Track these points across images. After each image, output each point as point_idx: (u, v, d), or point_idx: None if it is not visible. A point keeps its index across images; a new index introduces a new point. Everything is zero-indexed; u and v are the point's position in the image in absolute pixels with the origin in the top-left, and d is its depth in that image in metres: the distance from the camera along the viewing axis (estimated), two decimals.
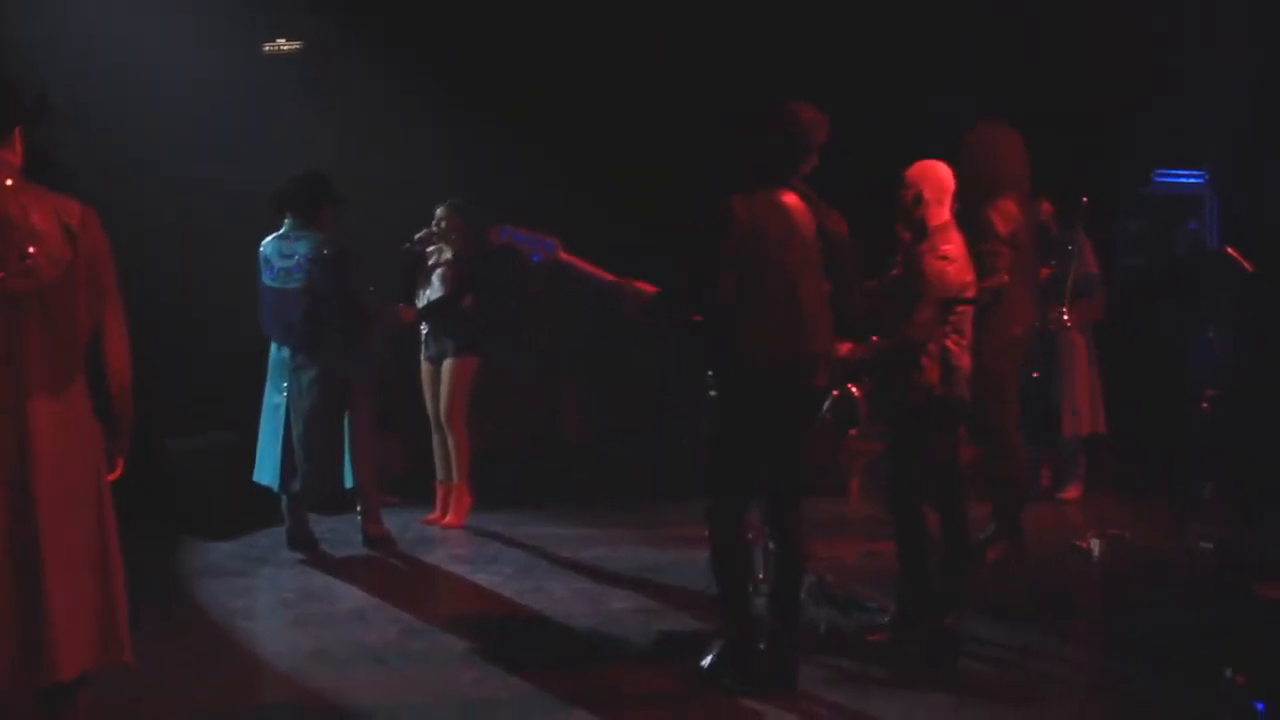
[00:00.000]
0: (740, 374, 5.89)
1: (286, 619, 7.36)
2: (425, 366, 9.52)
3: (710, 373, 5.98)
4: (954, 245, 6.55)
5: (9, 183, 4.54)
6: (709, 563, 6.12)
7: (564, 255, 6.18)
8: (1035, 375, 9.91)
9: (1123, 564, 8.34)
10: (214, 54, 11.23)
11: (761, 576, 6.85)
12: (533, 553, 8.79)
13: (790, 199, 5.95)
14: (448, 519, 9.54)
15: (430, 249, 9.44)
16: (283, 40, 12.62)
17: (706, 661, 6.13)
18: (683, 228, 6.15)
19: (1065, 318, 9.65)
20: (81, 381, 4.62)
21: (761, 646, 6.06)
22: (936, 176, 6.62)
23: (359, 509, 8.95)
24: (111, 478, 4.77)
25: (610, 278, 6.08)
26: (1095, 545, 8.43)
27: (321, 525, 9.10)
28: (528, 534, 9.28)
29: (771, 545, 6.17)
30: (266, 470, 8.66)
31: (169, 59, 10.81)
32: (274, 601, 7.71)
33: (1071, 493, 10.22)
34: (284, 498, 8.72)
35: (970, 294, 6.56)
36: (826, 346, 6.07)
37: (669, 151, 11.09)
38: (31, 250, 4.47)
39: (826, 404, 6.63)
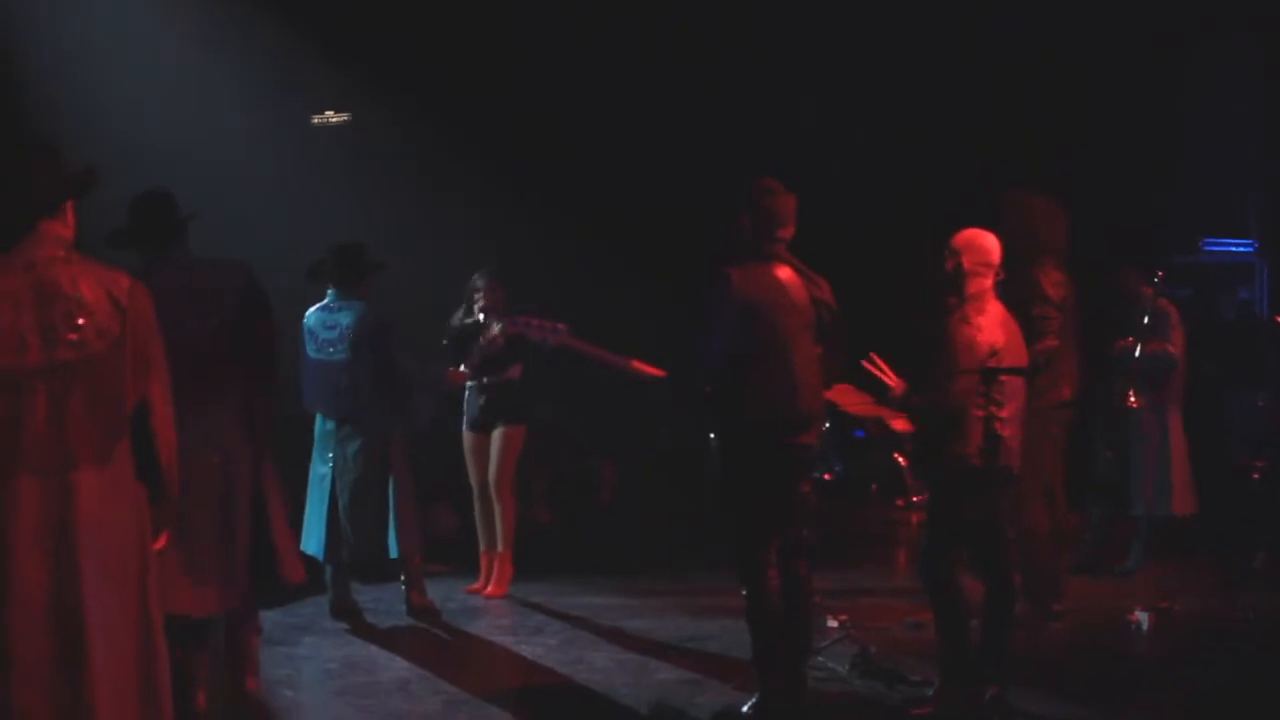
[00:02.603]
0: (740, 433, 6.34)
1: (330, 689, 7.35)
2: (469, 436, 9.50)
3: (712, 435, 6.46)
4: (987, 315, 6.54)
5: (59, 254, 4.58)
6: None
7: (572, 340, 6.53)
8: (1109, 455, 9.83)
9: (1171, 637, 8.24)
10: (261, 124, 11.38)
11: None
12: (576, 623, 8.76)
13: (783, 270, 6.40)
14: (490, 589, 9.52)
15: (476, 320, 9.43)
16: (331, 112, 12.77)
17: (745, 708, 6.38)
18: (692, 299, 6.41)
19: (1132, 398, 9.52)
20: (127, 452, 4.63)
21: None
22: (979, 246, 6.62)
23: (403, 579, 8.95)
24: (157, 547, 4.78)
25: (613, 358, 6.44)
26: (1144, 618, 8.33)
27: (365, 595, 9.10)
28: (571, 604, 9.24)
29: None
30: (312, 540, 8.69)
31: (216, 130, 10.96)
32: (317, 671, 7.69)
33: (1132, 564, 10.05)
34: (328, 567, 8.74)
35: (1006, 361, 6.53)
36: (818, 406, 6.55)
37: (695, 221, 11.17)
38: (80, 322, 4.50)
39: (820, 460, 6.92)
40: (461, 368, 9.26)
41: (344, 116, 12.78)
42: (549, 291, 10.69)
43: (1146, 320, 9.50)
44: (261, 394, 6.48)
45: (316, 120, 12.79)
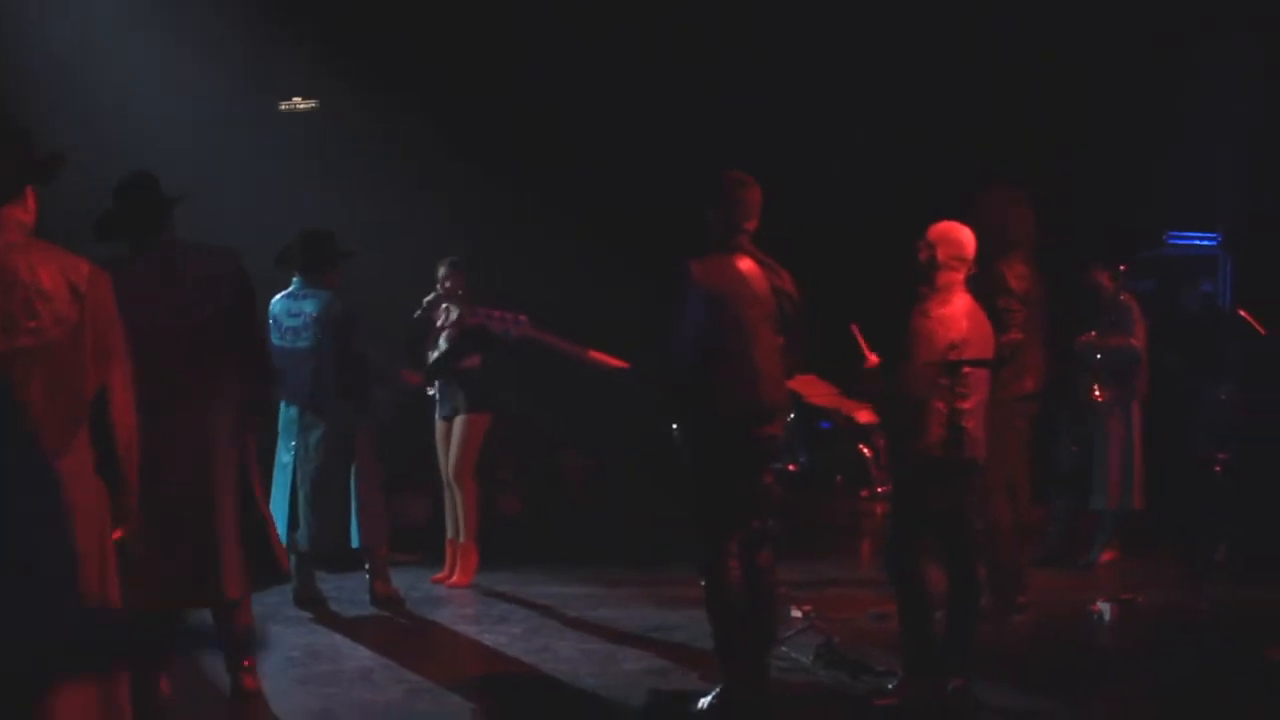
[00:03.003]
0: (703, 424, 6.34)
1: (292, 678, 7.30)
2: (439, 425, 9.53)
3: (674, 426, 6.49)
4: (951, 307, 6.55)
5: (18, 240, 4.54)
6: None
7: (532, 331, 6.54)
8: (1074, 449, 9.89)
9: (1134, 629, 8.28)
10: (228, 110, 11.33)
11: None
12: (541, 612, 8.76)
13: (744, 262, 6.37)
14: (455, 578, 9.52)
15: (441, 309, 9.44)
16: (299, 99, 12.73)
17: (703, 703, 6.32)
18: (659, 290, 6.43)
19: (1097, 393, 9.59)
20: (85, 441, 4.58)
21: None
22: (954, 239, 6.63)
23: (367, 567, 8.94)
24: (116, 537, 4.74)
25: (573, 349, 6.44)
26: (1107, 610, 8.37)
27: (329, 583, 9.09)
28: (536, 593, 9.25)
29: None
30: (276, 527, 8.65)
31: (182, 115, 10.91)
32: (280, 660, 7.63)
33: (1103, 558, 10.08)
34: (291, 556, 8.71)
35: (969, 353, 6.54)
36: (781, 397, 6.54)
37: (665, 206, 11.18)
38: (38, 309, 4.46)
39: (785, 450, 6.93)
40: (428, 357, 9.27)
41: (312, 103, 12.73)
42: (519, 279, 10.69)
43: (1108, 314, 9.57)
44: (259, 380, 6.47)
45: (284, 107, 12.75)
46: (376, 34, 11.86)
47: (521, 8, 11.96)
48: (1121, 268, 9.72)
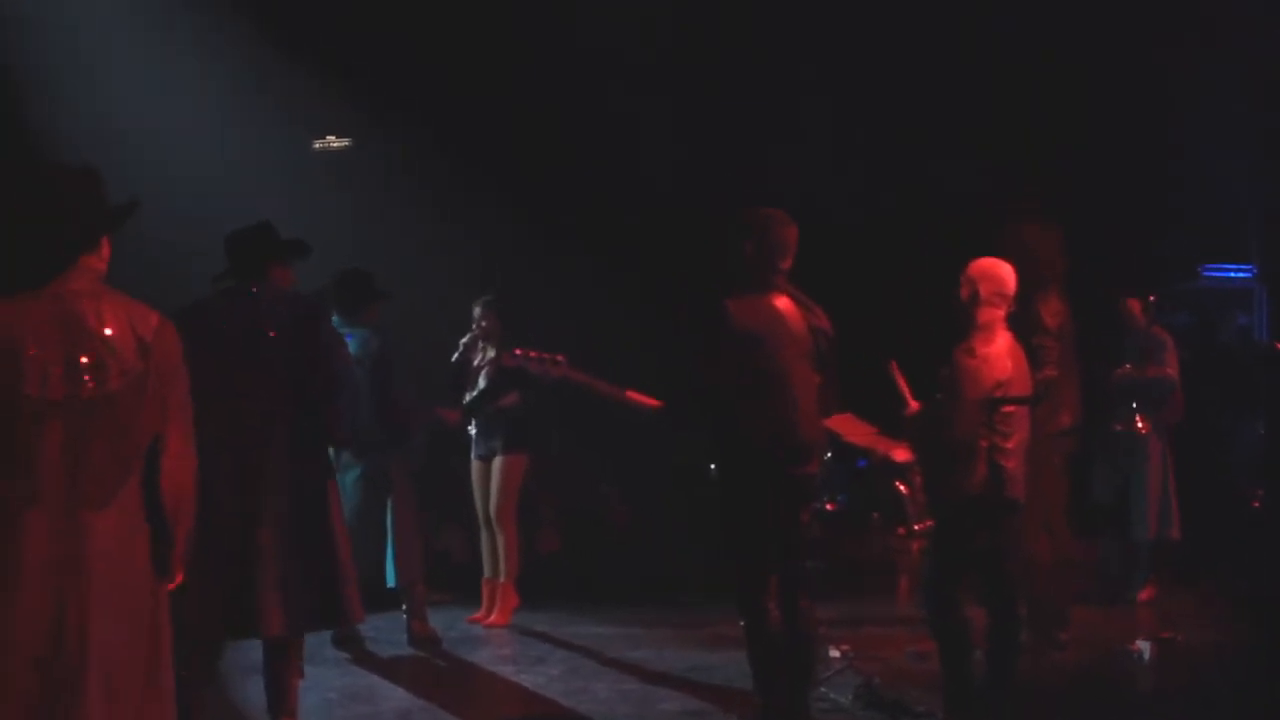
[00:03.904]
0: (740, 464, 6.29)
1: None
2: (475, 464, 9.54)
3: (713, 465, 6.46)
4: (994, 345, 6.53)
5: (89, 288, 4.53)
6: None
7: (570, 371, 6.52)
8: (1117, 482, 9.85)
9: (1174, 668, 8.22)
10: (264, 149, 11.38)
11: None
12: (579, 653, 8.74)
13: (780, 300, 6.36)
14: (493, 618, 9.51)
15: (478, 348, 9.46)
16: (332, 137, 12.78)
17: None
18: (686, 329, 6.41)
19: (1140, 424, 9.55)
20: (139, 491, 4.56)
21: None
22: (996, 276, 6.62)
23: (404, 607, 8.94)
24: (171, 587, 4.73)
25: (611, 390, 6.41)
26: (1147, 648, 8.31)
27: (367, 624, 9.03)
28: (574, 634, 9.23)
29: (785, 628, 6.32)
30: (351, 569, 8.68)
31: (217, 154, 10.97)
32: (318, 701, 7.62)
33: (1144, 595, 10.01)
34: None
35: (1013, 391, 6.52)
36: (818, 436, 6.55)
37: (697, 245, 11.17)
38: (103, 358, 4.44)
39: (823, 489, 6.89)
40: (466, 396, 9.30)
41: (345, 142, 12.79)
42: (553, 317, 10.70)
43: (1141, 347, 9.54)
44: (331, 417, 6.53)
45: (318, 145, 12.80)
46: (410, 72, 11.91)
47: (553, 49, 11.99)
48: (1151, 298, 9.68)
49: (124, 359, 4.47)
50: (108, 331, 4.46)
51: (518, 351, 6.61)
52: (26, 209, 4.55)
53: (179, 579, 4.75)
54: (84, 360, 4.42)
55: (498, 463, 9.39)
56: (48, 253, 4.52)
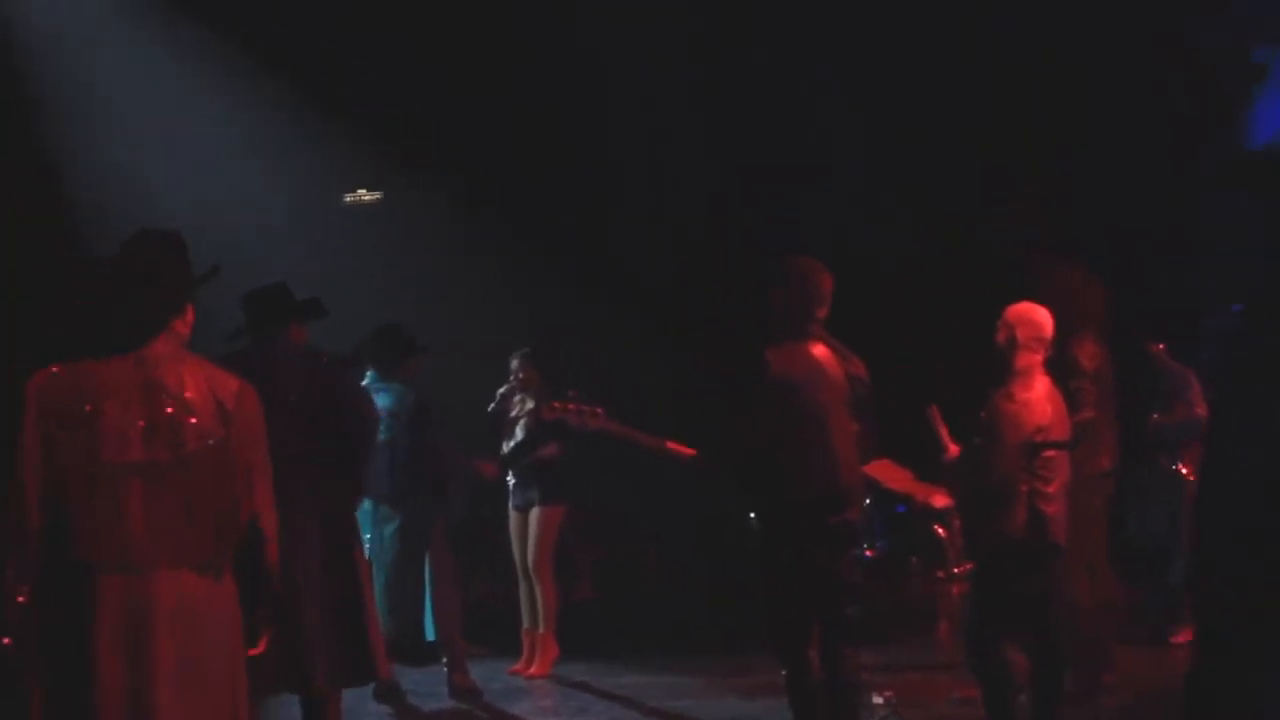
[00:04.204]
0: (780, 512, 6.29)
1: None
2: (513, 515, 9.55)
3: (752, 515, 6.37)
4: (1034, 390, 6.53)
5: (172, 352, 4.57)
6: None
7: (608, 423, 6.54)
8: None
9: None
10: (294, 204, 11.45)
11: None
12: (620, 703, 8.71)
13: (818, 349, 6.39)
14: (533, 669, 9.49)
15: (515, 400, 9.48)
16: (363, 191, 12.85)
17: None
18: (727, 379, 6.40)
19: (1183, 469, 9.50)
20: (221, 558, 4.56)
21: None
22: (1034, 320, 6.62)
23: (444, 660, 8.93)
24: (254, 652, 4.74)
25: (648, 440, 6.40)
26: None
27: (408, 677, 9.05)
28: (614, 684, 9.20)
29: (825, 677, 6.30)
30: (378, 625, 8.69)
31: (246, 207, 11.03)
32: None
33: (1182, 637, 9.90)
34: None
35: (1053, 436, 6.51)
36: (858, 482, 6.52)
37: (731, 295, 11.18)
38: (183, 422, 4.47)
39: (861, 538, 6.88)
40: (503, 447, 9.32)
41: (376, 195, 12.85)
42: (586, 367, 10.69)
43: (1167, 389, 9.52)
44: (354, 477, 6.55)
45: (349, 199, 12.87)
46: (441, 126, 11.97)
47: (582, 99, 12.04)
48: (1160, 347, 9.63)
49: (203, 423, 4.50)
50: (188, 395, 4.50)
51: (556, 404, 6.66)
52: (121, 274, 4.60)
53: (263, 644, 4.76)
54: (164, 424, 4.45)
55: (535, 514, 9.40)
56: (140, 317, 4.57)
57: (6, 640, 4.53)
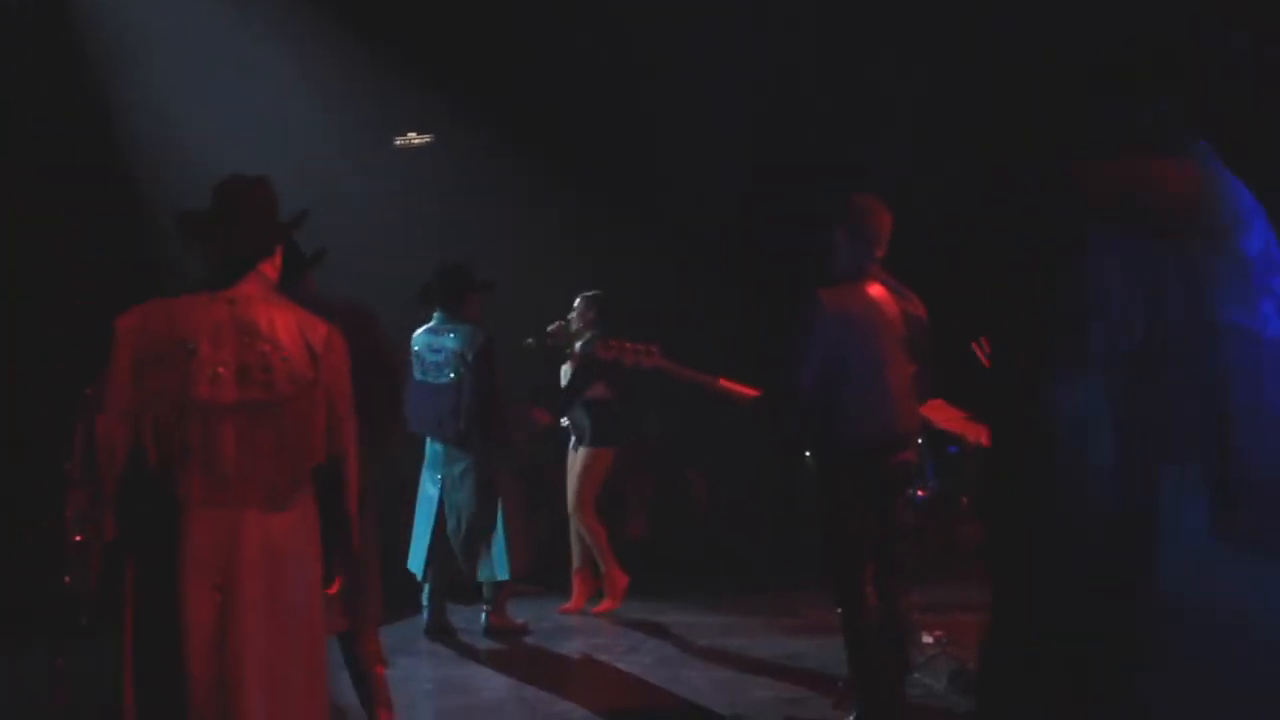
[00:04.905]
0: (835, 453, 6.23)
1: (426, 710, 7.37)
2: (569, 455, 9.61)
3: (808, 454, 6.35)
4: None
5: (262, 293, 4.62)
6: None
7: (662, 361, 6.50)
8: None
9: None
10: (346, 148, 11.44)
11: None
12: (672, 641, 8.76)
13: (874, 289, 6.32)
14: (604, 605, 9.58)
15: (576, 341, 9.48)
16: (414, 134, 12.83)
17: None
18: (783, 321, 6.35)
19: None
20: (307, 499, 4.62)
21: None
22: None
23: (485, 599, 8.98)
24: (331, 592, 4.79)
25: (703, 379, 6.45)
26: None
27: (460, 615, 9.12)
28: (667, 622, 9.26)
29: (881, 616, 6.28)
30: (417, 558, 8.76)
31: (294, 152, 11.03)
32: (414, 693, 7.70)
33: None
34: (426, 586, 8.80)
35: None
36: (913, 424, 6.47)
37: (789, 236, 11.12)
38: (274, 364, 4.51)
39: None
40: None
41: (427, 138, 12.83)
42: (641, 310, 10.67)
43: None
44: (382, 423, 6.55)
45: (399, 142, 12.85)
46: (491, 68, 11.90)
47: (627, 44, 11.94)
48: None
49: (294, 366, 4.54)
50: (280, 337, 4.53)
51: (613, 342, 6.62)
52: (213, 216, 4.64)
53: (338, 584, 4.81)
54: (256, 364, 4.48)
55: (580, 454, 9.45)
56: (230, 258, 4.61)
57: (66, 579, 4.58)
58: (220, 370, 4.45)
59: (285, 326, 4.57)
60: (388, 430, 6.50)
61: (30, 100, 10.00)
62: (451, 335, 8.58)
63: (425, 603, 8.88)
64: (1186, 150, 3.15)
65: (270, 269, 4.69)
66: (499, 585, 8.93)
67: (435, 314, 8.71)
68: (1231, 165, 3.15)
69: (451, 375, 8.52)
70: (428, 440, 8.77)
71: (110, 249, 10.03)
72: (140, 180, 10.44)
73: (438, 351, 8.59)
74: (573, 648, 8.77)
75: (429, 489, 8.77)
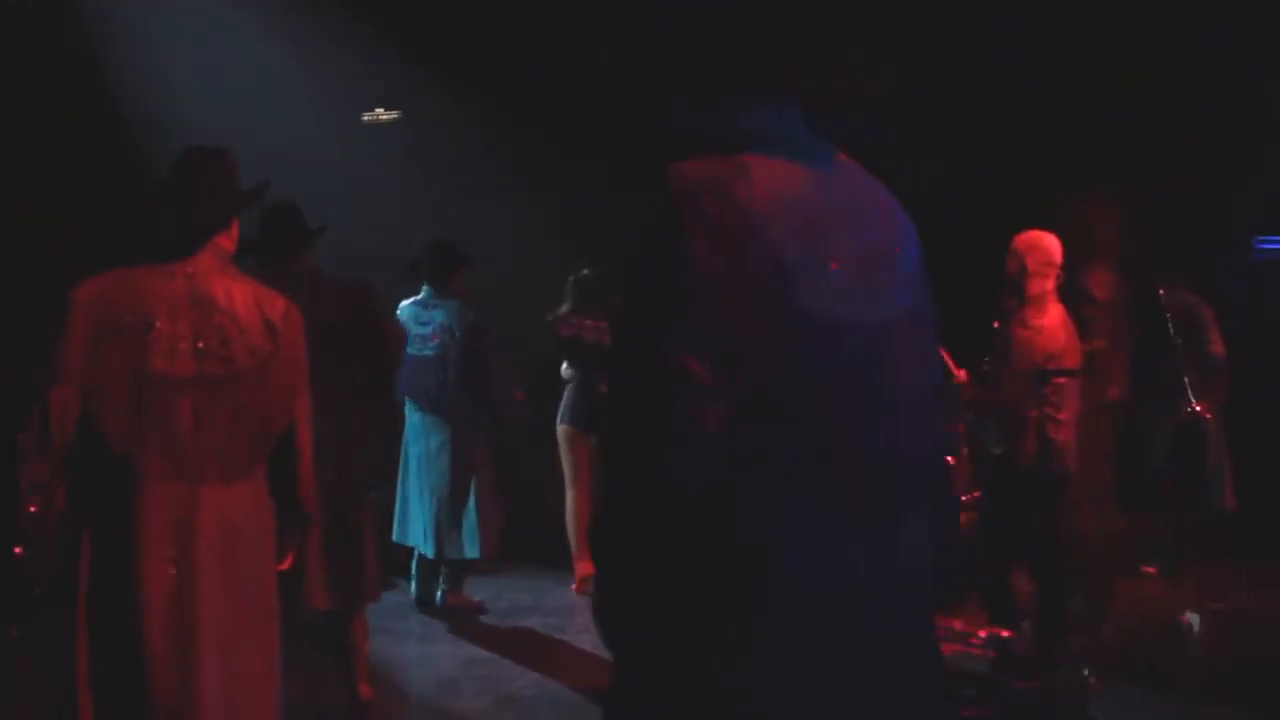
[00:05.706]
0: None
1: (381, 688, 7.31)
2: (565, 429, 9.61)
3: None
4: (1047, 317, 6.54)
5: (219, 267, 4.62)
6: None
7: None
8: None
9: (1222, 638, 8.22)
10: (313, 123, 11.39)
11: None
12: None
13: None
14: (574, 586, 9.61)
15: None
16: (381, 110, 12.78)
17: None
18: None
19: (1198, 406, 9.45)
20: (261, 474, 4.65)
21: None
22: (1042, 248, 6.64)
23: (443, 575, 8.99)
24: (283, 567, 4.81)
25: None
26: (1196, 620, 8.30)
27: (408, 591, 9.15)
28: None
29: None
30: (417, 532, 8.86)
31: (266, 126, 11.00)
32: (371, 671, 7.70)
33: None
34: (418, 556, 8.86)
35: (1065, 364, 6.53)
36: None
37: None
38: (232, 338, 4.52)
39: None
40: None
41: (395, 114, 12.79)
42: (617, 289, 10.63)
43: (1181, 322, 9.46)
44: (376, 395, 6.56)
45: (366, 119, 12.81)
46: (459, 43, 11.85)
47: (594, 18, 11.90)
48: (1161, 291, 9.54)
49: (251, 339, 4.55)
50: (238, 311, 4.54)
51: (574, 319, 6.60)
52: (165, 188, 4.64)
53: (288, 562, 4.83)
54: (214, 338, 4.49)
55: (558, 431, 9.52)
56: (183, 231, 4.61)
57: (18, 550, 4.60)
58: (179, 344, 4.46)
59: (243, 300, 4.58)
60: (388, 407, 6.50)
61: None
62: (440, 310, 8.65)
63: (414, 573, 8.99)
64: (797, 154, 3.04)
65: (226, 241, 4.67)
66: (462, 564, 8.96)
67: (424, 288, 8.77)
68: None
69: (436, 349, 8.57)
70: (409, 410, 8.81)
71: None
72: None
73: (425, 324, 8.65)
74: (529, 626, 8.78)
75: (409, 461, 8.86)
